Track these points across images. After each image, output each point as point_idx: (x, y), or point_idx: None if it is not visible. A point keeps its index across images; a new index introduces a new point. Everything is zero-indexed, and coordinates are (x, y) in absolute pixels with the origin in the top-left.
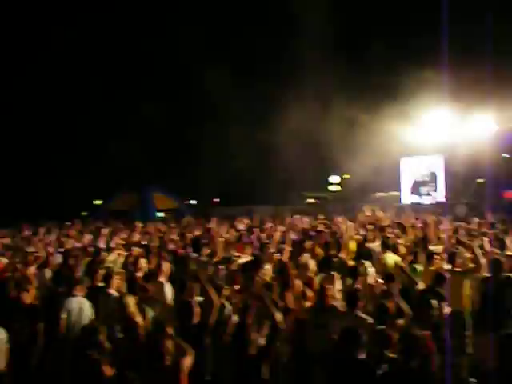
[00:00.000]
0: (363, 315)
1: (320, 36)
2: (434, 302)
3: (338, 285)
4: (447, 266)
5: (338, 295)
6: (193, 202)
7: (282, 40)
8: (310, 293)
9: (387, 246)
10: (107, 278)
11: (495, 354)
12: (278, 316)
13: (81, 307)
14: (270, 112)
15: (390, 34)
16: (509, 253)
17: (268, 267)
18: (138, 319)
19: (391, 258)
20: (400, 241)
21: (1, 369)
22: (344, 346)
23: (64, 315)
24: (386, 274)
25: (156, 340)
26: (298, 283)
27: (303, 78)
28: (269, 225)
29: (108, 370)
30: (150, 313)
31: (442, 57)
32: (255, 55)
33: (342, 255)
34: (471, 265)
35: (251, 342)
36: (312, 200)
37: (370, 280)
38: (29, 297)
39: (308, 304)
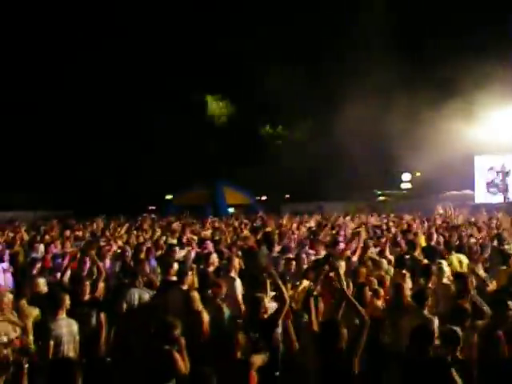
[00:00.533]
0: (429, 315)
1: (387, 34)
2: (510, 303)
3: (409, 283)
4: None
5: (408, 294)
6: (264, 198)
7: (348, 38)
8: (381, 291)
9: (451, 246)
10: (181, 273)
11: None
12: (363, 310)
13: (140, 298)
14: (339, 110)
15: (463, 31)
16: None
17: (341, 264)
18: (204, 314)
19: (457, 258)
20: (472, 240)
21: (74, 358)
22: (416, 344)
23: (124, 305)
24: (457, 273)
25: (228, 334)
26: (372, 280)
27: (375, 77)
28: (340, 222)
29: (185, 366)
30: (225, 308)
31: None
32: (320, 54)
33: (416, 253)
34: None
35: (341, 336)
36: (383, 197)
37: (446, 280)
38: (98, 289)
39: (379, 302)
